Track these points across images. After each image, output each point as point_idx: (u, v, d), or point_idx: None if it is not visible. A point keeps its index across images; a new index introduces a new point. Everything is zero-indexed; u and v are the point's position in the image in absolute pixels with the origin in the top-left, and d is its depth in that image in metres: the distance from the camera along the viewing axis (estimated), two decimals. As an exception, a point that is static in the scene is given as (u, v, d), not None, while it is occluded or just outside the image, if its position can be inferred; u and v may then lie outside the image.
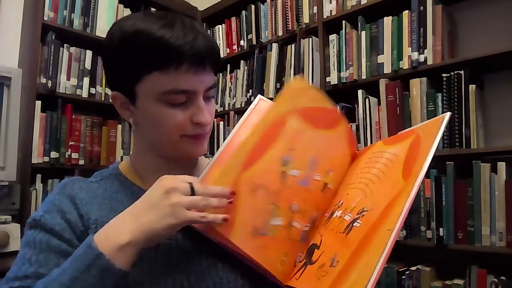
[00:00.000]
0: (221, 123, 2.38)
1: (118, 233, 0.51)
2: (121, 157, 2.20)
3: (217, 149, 0.65)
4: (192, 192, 0.54)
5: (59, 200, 0.61)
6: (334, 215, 0.61)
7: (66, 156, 1.97)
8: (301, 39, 2.00)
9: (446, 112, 1.48)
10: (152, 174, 0.65)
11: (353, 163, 0.70)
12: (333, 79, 1.88)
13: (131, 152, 0.73)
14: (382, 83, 1.70)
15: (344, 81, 1.84)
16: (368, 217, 0.55)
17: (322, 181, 0.64)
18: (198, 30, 0.60)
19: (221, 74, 2.50)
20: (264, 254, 0.58)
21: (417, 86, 1.60)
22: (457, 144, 1.49)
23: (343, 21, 1.85)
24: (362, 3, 1.79)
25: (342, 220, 0.59)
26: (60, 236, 0.57)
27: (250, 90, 2.25)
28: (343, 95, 1.90)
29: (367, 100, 1.75)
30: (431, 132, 0.58)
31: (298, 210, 0.61)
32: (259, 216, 0.58)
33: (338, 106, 1.88)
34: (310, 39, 1.96)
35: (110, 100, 0.66)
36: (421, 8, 1.61)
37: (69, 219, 0.59)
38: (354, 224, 0.56)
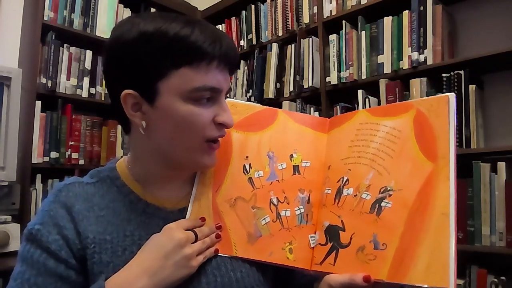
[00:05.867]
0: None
1: None
2: (121, 156, 2.20)
3: None
4: (196, 238, 0.59)
5: (55, 210, 0.58)
6: (345, 193, 0.62)
7: (66, 156, 1.97)
8: (301, 39, 2.00)
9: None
10: (152, 183, 0.65)
11: (331, 134, 0.70)
12: (333, 79, 1.88)
13: (128, 155, 0.69)
14: (382, 83, 1.70)
15: (344, 81, 1.84)
16: (399, 197, 0.56)
17: (290, 166, 0.68)
18: (221, 32, 0.60)
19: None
20: (268, 252, 0.62)
21: (417, 86, 1.60)
22: (457, 144, 1.49)
23: (343, 21, 1.85)
24: (362, 3, 1.79)
25: (360, 199, 0.60)
26: (56, 256, 0.55)
27: (250, 90, 2.25)
28: (343, 95, 1.90)
29: (367, 100, 1.75)
30: (438, 112, 0.58)
31: (279, 201, 0.66)
32: (247, 223, 0.64)
33: (338, 106, 1.89)
34: (310, 39, 1.96)
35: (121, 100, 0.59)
36: (421, 8, 1.61)
37: (66, 235, 0.56)
38: (382, 204, 0.57)
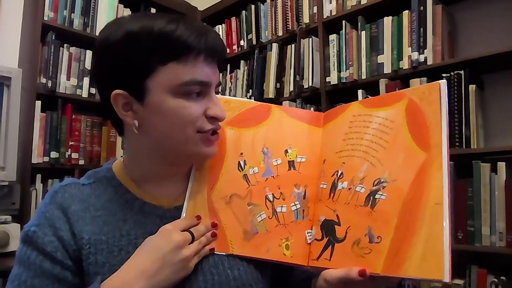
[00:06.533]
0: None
1: None
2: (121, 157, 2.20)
3: None
4: (192, 239, 0.59)
5: (51, 212, 0.58)
6: (339, 187, 0.61)
7: (66, 156, 1.97)
8: (301, 39, 2.00)
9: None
10: (149, 182, 0.65)
11: (325, 127, 0.69)
12: (333, 79, 1.88)
13: (124, 156, 0.69)
14: (382, 83, 1.69)
15: (344, 81, 1.84)
16: (393, 189, 0.56)
17: (285, 161, 0.67)
18: (207, 26, 0.60)
19: (221, 74, 2.50)
20: (264, 249, 0.62)
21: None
22: (457, 144, 1.49)
23: (343, 21, 1.85)
24: (362, 3, 1.79)
25: (354, 192, 0.59)
26: (52, 257, 0.56)
27: (250, 90, 2.25)
28: (343, 95, 1.90)
29: (367, 100, 1.75)
30: (430, 99, 0.57)
31: (275, 197, 0.65)
32: (243, 220, 0.64)
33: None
34: (310, 39, 1.96)
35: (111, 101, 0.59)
36: (421, 8, 1.61)
37: (62, 236, 0.57)
38: (376, 197, 0.57)
